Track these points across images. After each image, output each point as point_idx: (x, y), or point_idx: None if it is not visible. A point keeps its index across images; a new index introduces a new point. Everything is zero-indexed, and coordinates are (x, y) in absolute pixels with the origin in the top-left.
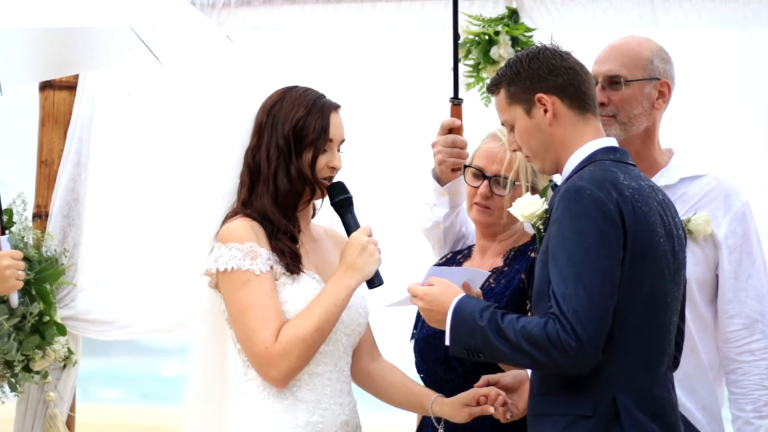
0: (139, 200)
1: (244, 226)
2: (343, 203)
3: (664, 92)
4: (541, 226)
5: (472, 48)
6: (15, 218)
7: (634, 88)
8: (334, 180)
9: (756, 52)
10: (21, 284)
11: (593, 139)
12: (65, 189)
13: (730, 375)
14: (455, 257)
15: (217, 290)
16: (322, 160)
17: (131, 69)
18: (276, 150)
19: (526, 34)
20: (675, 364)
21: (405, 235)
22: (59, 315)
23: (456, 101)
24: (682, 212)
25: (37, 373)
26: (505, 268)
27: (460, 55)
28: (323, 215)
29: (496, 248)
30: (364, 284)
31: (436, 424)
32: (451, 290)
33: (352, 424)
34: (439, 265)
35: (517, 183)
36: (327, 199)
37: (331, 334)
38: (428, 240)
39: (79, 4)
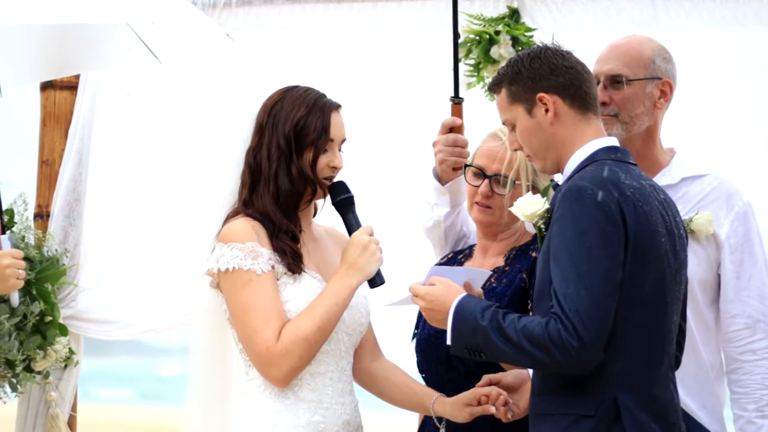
0: (140, 200)
1: (245, 225)
2: (344, 203)
3: (665, 92)
4: (542, 226)
5: (472, 47)
6: (16, 218)
7: (636, 88)
8: (335, 179)
9: (757, 52)
10: (21, 283)
11: (594, 139)
12: (66, 189)
13: (732, 375)
14: (456, 257)
15: (219, 290)
16: (323, 160)
17: (132, 69)
18: (277, 150)
19: (527, 33)
20: (676, 363)
21: (406, 235)
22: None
23: (456, 100)
24: (684, 212)
25: (39, 373)
26: (507, 268)
27: (461, 54)
28: (324, 215)
29: (497, 248)
30: (366, 284)
31: (437, 423)
32: (452, 290)
33: (353, 424)
34: (440, 264)
35: (517, 182)
36: (328, 198)
37: (333, 333)
38: (429, 239)
39: (78, 1)
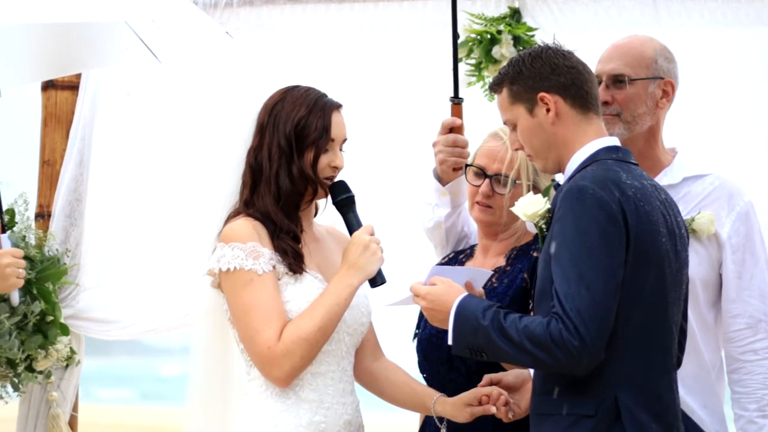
0: (141, 200)
1: (246, 225)
2: (345, 202)
3: (667, 91)
4: (543, 226)
5: (474, 47)
6: (17, 218)
7: (638, 87)
8: (336, 179)
9: (758, 52)
10: (22, 282)
11: (595, 139)
12: (68, 189)
13: (733, 374)
14: (457, 257)
15: (220, 290)
16: (324, 160)
17: (133, 68)
18: (278, 150)
19: (529, 33)
20: (677, 363)
21: (407, 234)
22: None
23: (456, 100)
24: (686, 212)
25: (41, 372)
26: (508, 268)
27: (463, 54)
28: (325, 214)
29: (498, 247)
30: (367, 283)
31: (438, 423)
32: (453, 290)
33: (354, 424)
34: (441, 264)
35: (518, 182)
36: (329, 198)
37: (334, 333)
38: (430, 240)
39: (77, 0)
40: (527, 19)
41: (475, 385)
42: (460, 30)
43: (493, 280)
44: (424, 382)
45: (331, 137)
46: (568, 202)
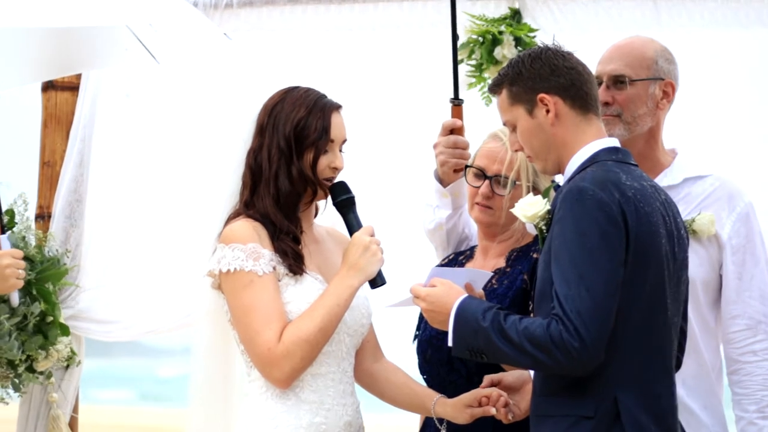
0: (141, 201)
1: (246, 227)
2: (345, 203)
3: (668, 92)
4: (543, 227)
5: (475, 48)
6: (16, 218)
7: (639, 88)
8: (336, 180)
9: (758, 52)
10: (21, 283)
11: (595, 140)
12: (68, 190)
13: (733, 375)
14: (457, 258)
15: (220, 291)
16: (324, 161)
17: (133, 69)
18: (277, 151)
19: (530, 34)
20: (677, 364)
21: (407, 235)
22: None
23: (456, 102)
24: (686, 213)
25: (41, 373)
26: (508, 269)
27: (464, 55)
28: (325, 215)
29: (498, 249)
30: (367, 284)
31: (438, 425)
32: (453, 291)
33: (355, 425)
34: (441, 265)
35: (518, 183)
36: (329, 199)
37: (334, 334)
38: (431, 242)
39: (76, 3)
40: (527, 19)
41: (475, 387)
42: (460, 31)
43: (493, 281)
44: (424, 384)
45: (330, 138)
46: (567, 203)
